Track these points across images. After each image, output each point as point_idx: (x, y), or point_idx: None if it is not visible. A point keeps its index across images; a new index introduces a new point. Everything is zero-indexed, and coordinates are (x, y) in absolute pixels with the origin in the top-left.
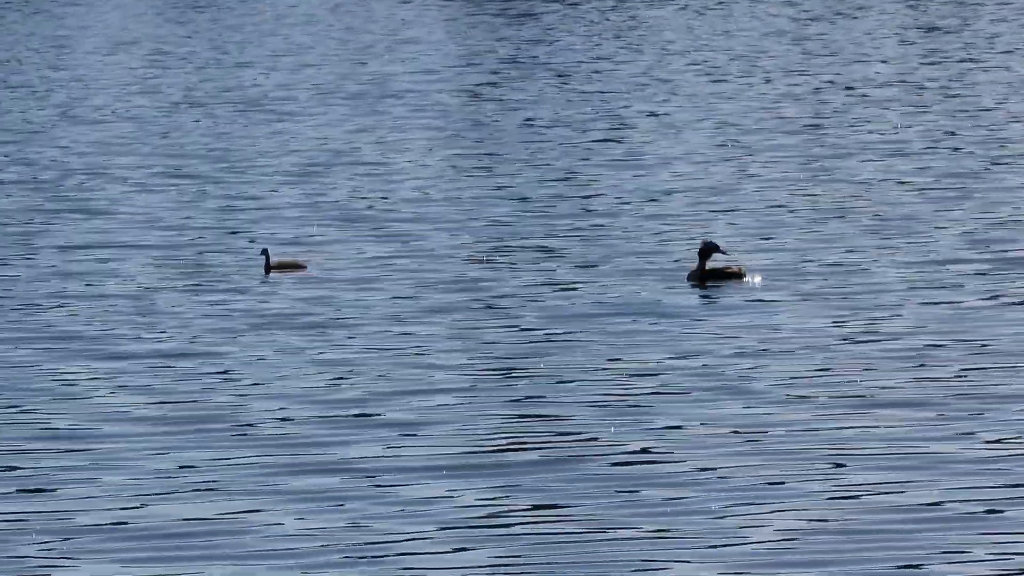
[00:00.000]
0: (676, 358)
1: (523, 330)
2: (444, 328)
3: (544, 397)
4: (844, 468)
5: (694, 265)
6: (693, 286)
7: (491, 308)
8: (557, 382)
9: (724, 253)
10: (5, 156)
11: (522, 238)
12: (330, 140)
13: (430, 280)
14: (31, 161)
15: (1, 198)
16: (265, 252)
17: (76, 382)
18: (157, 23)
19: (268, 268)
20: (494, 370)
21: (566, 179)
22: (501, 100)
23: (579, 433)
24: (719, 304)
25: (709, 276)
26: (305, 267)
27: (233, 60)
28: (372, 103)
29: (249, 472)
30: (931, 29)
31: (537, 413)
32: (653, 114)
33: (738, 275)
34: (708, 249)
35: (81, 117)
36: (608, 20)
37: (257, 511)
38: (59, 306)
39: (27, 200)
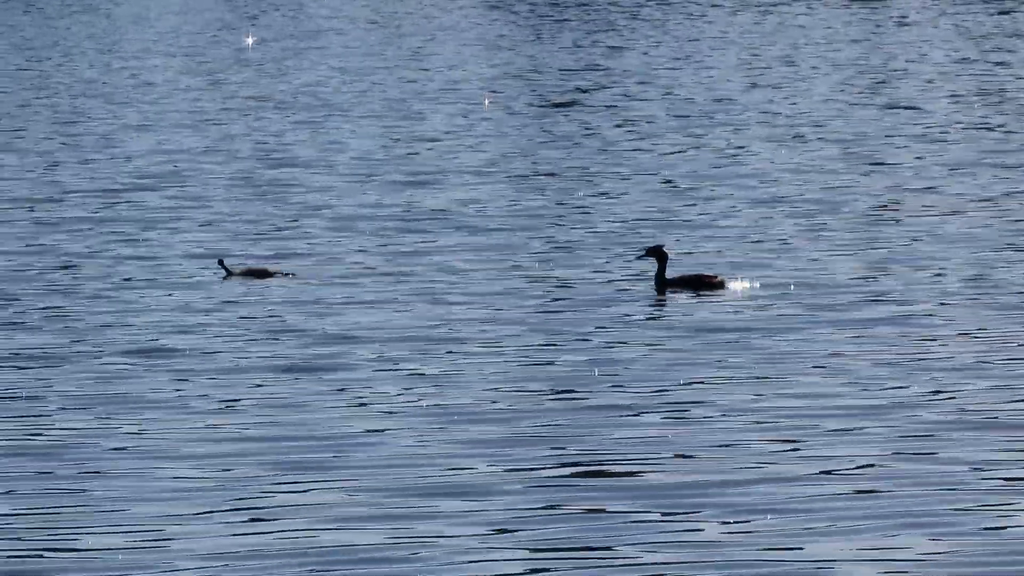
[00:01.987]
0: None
1: (588, 344)
2: (508, 341)
3: (620, 409)
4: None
5: (655, 271)
6: (659, 293)
7: (551, 320)
8: (621, 396)
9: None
10: (76, 161)
11: (589, 247)
12: (386, 146)
13: (489, 290)
14: (100, 165)
15: (68, 205)
16: (221, 262)
17: (181, 398)
18: (207, 24)
19: (228, 275)
20: (550, 386)
21: (644, 187)
22: (574, 107)
23: (665, 453)
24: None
25: (684, 283)
26: (273, 274)
27: (285, 63)
28: (425, 108)
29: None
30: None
31: (615, 427)
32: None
33: (719, 284)
34: (659, 253)
35: (146, 124)
36: (674, 23)
37: (352, 531)
38: (146, 318)
39: (98, 207)
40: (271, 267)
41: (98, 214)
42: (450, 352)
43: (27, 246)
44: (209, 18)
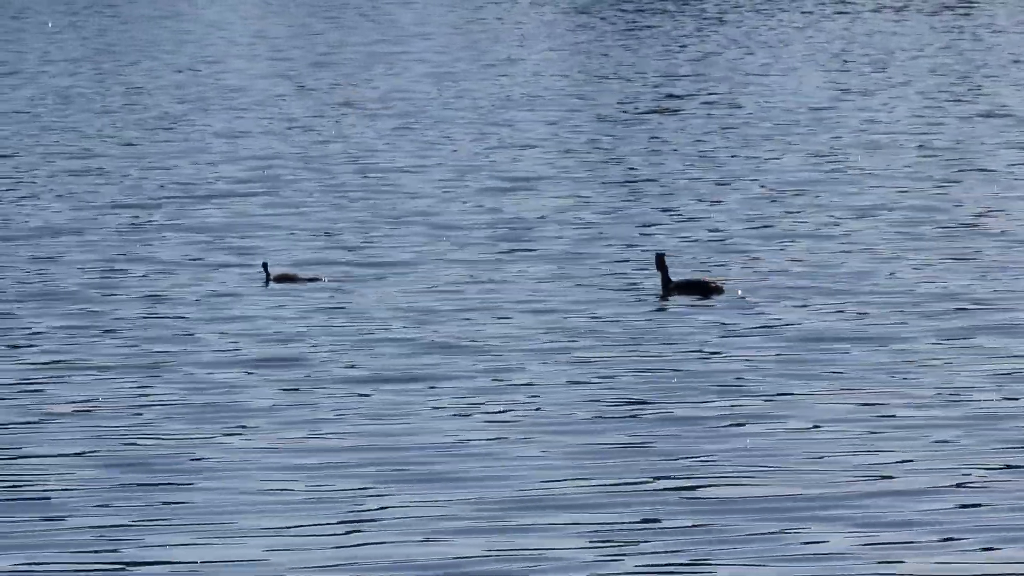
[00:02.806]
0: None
1: (651, 358)
2: (598, 350)
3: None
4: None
5: (660, 279)
6: (663, 299)
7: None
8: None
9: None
10: (164, 166)
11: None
12: (476, 152)
13: (581, 297)
14: (188, 171)
15: (157, 211)
16: (264, 265)
17: (278, 408)
18: (278, 26)
19: (268, 279)
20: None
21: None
22: (665, 113)
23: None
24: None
25: (684, 288)
26: (303, 279)
27: (373, 68)
28: (515, 114)
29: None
30: None
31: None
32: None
33: (718, 289)
34: (659, 261)
35: (234, 129)
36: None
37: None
38: (239, 326)
39: (173, 215)
40: (300, 273)
41: (185, 221)
42: (540, 361)
43: (119, 254)
44: (292, 22)
